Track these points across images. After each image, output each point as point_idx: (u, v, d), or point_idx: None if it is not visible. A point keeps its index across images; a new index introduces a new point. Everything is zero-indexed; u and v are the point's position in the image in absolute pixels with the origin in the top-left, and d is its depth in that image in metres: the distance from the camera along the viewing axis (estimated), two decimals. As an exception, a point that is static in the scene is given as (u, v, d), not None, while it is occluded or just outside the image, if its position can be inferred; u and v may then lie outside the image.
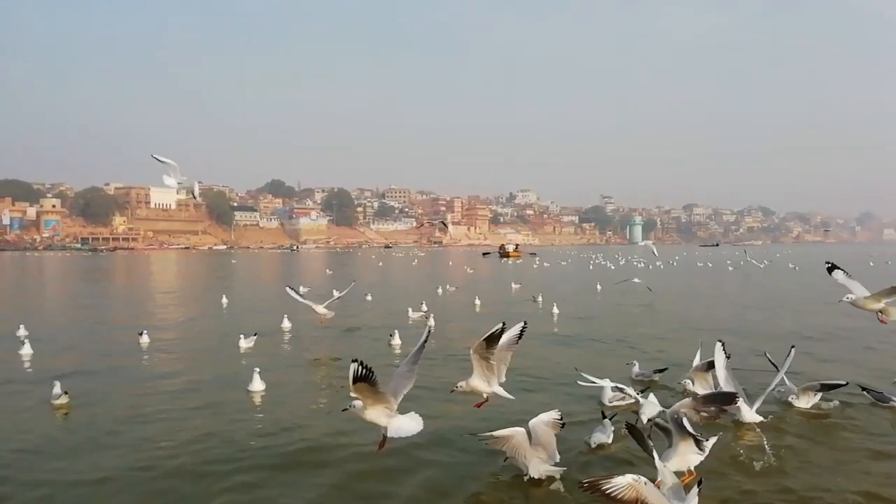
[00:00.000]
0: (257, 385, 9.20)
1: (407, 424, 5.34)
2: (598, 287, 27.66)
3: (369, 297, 23.11)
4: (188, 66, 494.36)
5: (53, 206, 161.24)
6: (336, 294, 13.95)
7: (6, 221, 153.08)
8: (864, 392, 8.48)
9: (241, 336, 13.01)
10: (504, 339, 6.10)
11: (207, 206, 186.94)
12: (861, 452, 6.68)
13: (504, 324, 5.90)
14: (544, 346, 13.30)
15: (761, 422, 7.37)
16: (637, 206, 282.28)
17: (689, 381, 8.86)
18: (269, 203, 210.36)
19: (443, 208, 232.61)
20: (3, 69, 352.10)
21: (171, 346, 13.76)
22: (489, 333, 5.79)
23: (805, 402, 8.12)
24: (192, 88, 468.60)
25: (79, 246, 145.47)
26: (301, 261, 78.11)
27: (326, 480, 6.02)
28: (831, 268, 8.20)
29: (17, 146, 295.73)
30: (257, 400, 8.90)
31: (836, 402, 8.35)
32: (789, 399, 8.21)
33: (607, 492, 4.14)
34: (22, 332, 14.20)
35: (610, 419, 6.84)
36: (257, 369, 9.43)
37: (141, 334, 13.56)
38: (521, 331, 6.42)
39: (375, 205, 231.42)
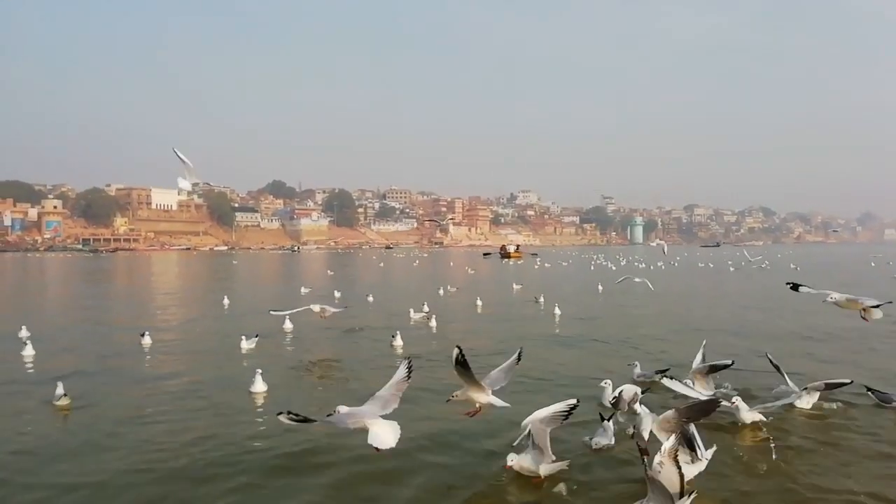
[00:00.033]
0: (259, 386, 9.21)
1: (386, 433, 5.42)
2: (600, 288, 27.65)
3: (371, 299, 23.12)
4: (188, 66, 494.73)
5: (55, 207, 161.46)
6: (331, 308, 14.00)
7: (7, 222, 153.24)
8: (869, 392, 8.47)
9: (243, 337, 13.02)
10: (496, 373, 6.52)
11: (208, 207, 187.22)
12: (864, 453, 6.68)
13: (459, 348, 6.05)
14: (546, 348, 13.30)
15: (761, 421, 7.38)
16: (638, 207, 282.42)
17: (689, 381, 8.88)
18: (270, 204, 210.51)
19: (444, 209, 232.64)
20: (3, 69, 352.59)
21: (172, 347, 13.78)
22: (455, 360, 5.99)
23: (807, 402, 8.12)
24: (192, 88, 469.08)
25: (80, 247, 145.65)
26: (302, 262, 78.15)
27: (327, 482, 6.03)
28: (794, 286, 8.64)
29: (17, 147, 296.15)
30: (259, 401, 8.92)
31: (839, 404, 8.35)
32: (791, 399, 8.20)
33: None
34: (24, 333, 14.23)
35: (608, 420, 6.85)
36: (259, 370, 9.44)
37: (143, 335, 13.58)
38: (519, 356, 6.78)
39: (376, 205, 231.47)
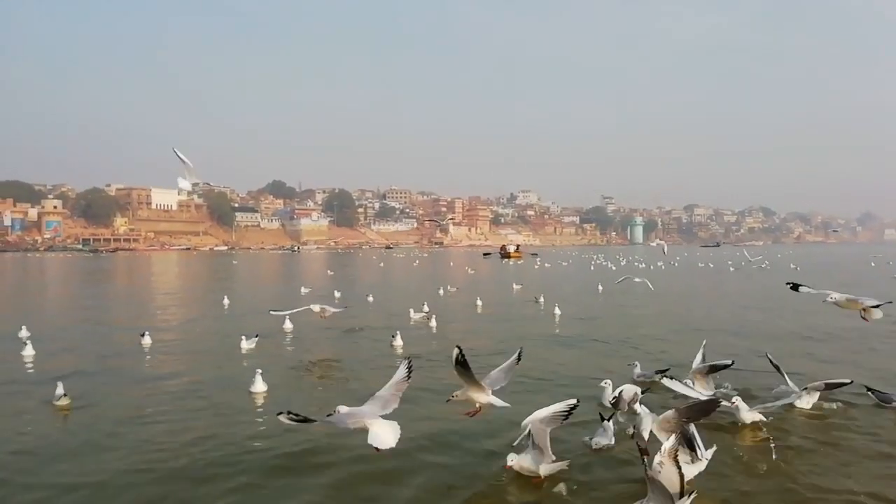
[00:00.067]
0: (259, 386, 9.21)
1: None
2: (600, 288, 27.65)
3: (371, 299, 23.12)
4: (188, 66, 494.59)
5: (55, 207, 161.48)
6: (331, 308, 14.04)
7: (7, 222, 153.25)
8: (869, 392, 8.47)
9: (243, 337, 13.02)
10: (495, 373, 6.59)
11: (208, 207, 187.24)
12: (864, 453, 6.68)
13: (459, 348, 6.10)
14: (546, 348, 13.31)
15: (762, 421, 7.38)
16: (638, 207, 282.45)
17: (689, 381, 8.88)
18: (270, 204, 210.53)
19: (444, 209, 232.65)
20: (3, 69, 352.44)
21: (172, 347, 13.78)
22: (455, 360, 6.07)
23: (807, 402, 8.12)
24: (192, 88, 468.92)
25: (80, 247, 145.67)
26: (302, 262, 78.15)
27: (327, 482, 6.03)
28: (794, 286, 8.70)
29: (17, 147, 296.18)
30: (259, 401, 8.91)
31: (839, 404, 8.36)
32: (791, 399, 8.20)
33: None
34: (24, 333, 14.23)
35: (608, 420, 6.85)
36: (259, 371, 9.44)
37: (143, 335, 13.58)
38: (519, 356, 6.80)
39: (376, 205, 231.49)
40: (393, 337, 13.29)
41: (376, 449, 5.26)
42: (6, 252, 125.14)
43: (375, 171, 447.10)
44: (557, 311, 18.65)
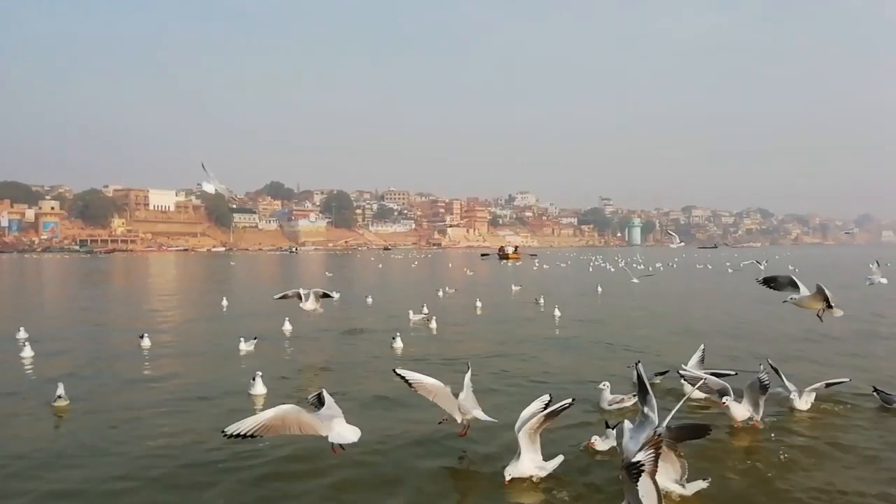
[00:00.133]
0: (259, 389, 9.19)
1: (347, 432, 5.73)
2: (599, 289, 27.68)
3: (370, 300, 23.11)
4: (188, 66, 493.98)
5: (52, 208, 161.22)
6: (317, 304, 13.94)
7: (5, 223, 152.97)
8: (875, 393, 8.47)
9: (242, 339, 13.00)
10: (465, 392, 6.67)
11: (206, 208, 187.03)
12: (871, 454, 6.68)
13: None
14: (546, 349, 13.31)
15: (764, 423, 7.37)
16: (636, 208, 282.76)
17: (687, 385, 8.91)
18: (269, 205, 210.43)
19: (442, 210, 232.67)
20: (3, 69, 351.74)
21: (171, 348, 13.74)
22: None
23: (805, 403, 8.13)
24: (192, 88, 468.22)
25: (77, 248, 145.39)
26: (300, 263, 78.07)
27: (323, 487, 6.01)
28: (768, 280, 8.82)
29: (16, 148, 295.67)
30: (259, 404, 8.89)
31: (844, 405, 8.39)
32: (790, 400, 8.21)
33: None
34: (22, 334, 14.18)
35: (613, 428, 6.84)
36: (259, 373, 9.41)
37: (142, 337, 13.55)
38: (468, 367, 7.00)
39: (374, 207, 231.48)
40: (393, 339, 13.27)
41: (334, 448, 5.61)
42: (3, 253, 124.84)
43: (374, 173, 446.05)
44: (557, 312, 18.65)
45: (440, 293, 26.35)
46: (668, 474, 5.18)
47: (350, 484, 6.06)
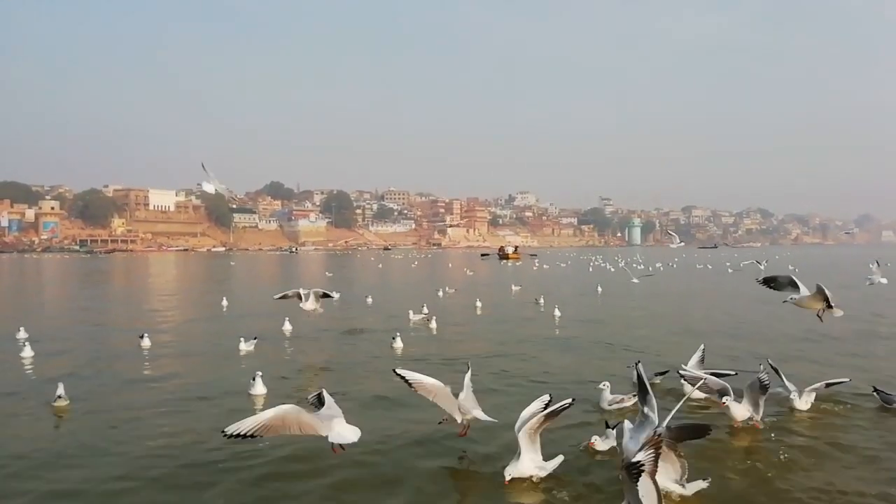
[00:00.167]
0: (259, 389, 9.18)
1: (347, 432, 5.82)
2: (599, 289, 27.69)
3: (370, 300, 23.11)
4: (188, 66, 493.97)
5: (52, 208, 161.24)
6: (317, 304, 14.03)
7: (5, 223, 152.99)
8: (875, 393, 8.47)
9: (242, 339, 13.00)
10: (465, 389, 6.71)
11: (206, 208, 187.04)
12: (871, 454, 6.68)
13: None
14: (546, 349, 13.31)
15: (765, 423, 7.36)
16: (636, 208, 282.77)
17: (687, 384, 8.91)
18: (269, 205, 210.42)
19: (442, 210, 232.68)
20: (3, 69, 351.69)
21: (171, 349, 13.74)
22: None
23: (805, 403, 8.13)
24: (192, 88, 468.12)
25: (77, 248, 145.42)
26: (300, 263, 78.07)
27: (323, 487, 6.01)
28: (768, 280, 8.79)
29: (16, 148, 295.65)
30: (259, 404, 8.89)
31: (844, 405, 8.39)
32: (790, 400, 8.21)
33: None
34: (22, 334, 14.18)
35: (613, 428, 6.84)
36: (259, 373, 9.40)
37: (142, 337, 13.54)
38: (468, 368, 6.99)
39: (374, 207, 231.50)
40: (393, 339, 13.27)
41: (333, 448, 5.68)
42: (3, 253, 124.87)
43: (374, 173, 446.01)
44: (557, 312, 18.65)
45: (440, 293, 26.35)
46: (669, 474, 5.18)
47: (350, 484, 6.06)
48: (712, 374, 8.35)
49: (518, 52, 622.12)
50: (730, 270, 47.83)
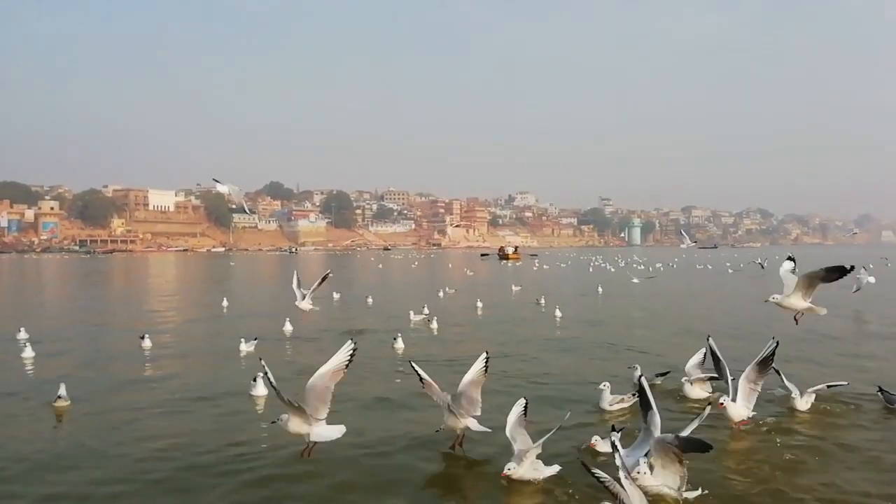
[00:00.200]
0: (260, 390, 9.17)
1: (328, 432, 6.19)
2: (600, 290, 27.69)
3: (370, 300, 23.10)
4: (188, 66, 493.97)
5: (52, 209, 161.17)
6: (310, 304, 14.28)
7: (4, 223, 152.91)
8: (879, 393, 8.45)
9: (242, 340, 13.00)
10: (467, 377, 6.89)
11: (206, 208, 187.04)
12: (876, 455, 6.68)
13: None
14: (547, 350, 13.31)
15: (766, 423, 7.34)
16: (636, 209, 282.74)
17: (688, 381, 8.94)
18: (268, 205, 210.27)
19: (441, 210, 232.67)
20: (3, 69, 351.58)
21: (172, 349, 13.73)
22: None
23: (805, 403, 8.13)
24: (192, 88, 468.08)
25: (77, 248, 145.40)
26: (300, 263, 78.04)
27: (322, 488, 6.00)
28: (790, 258, 8.47)
29: (16, 148, 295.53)
30: (260, 405, 8.88)
31: (848, 405, 8.39)
32: (791, 401, 8.21)
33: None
34: (22, 335, 14.17)
35: (619, 431, 6.84)
36: (260, 374, 9.39)
37: (143, 338, 13.53)
38: (486, 362, 7.08)
39: (374, 207, 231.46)
40: (394, 339, 13.26)
41: (304, 452, 6.09)
42: (3, 253, 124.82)
43: (374, 173, 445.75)
44: (558, 313, 18.65)
45: (440, 293, 26.35)
46: (668, 482, 5.20)
47: (351, 485, 6.05)
48: (710, 378, 8.39)
49: (518, 52, 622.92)
50: (730, 271, 47.84)
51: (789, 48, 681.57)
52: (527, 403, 6.39)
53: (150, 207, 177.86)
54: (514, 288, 28.94)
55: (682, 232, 48.58)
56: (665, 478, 5.20)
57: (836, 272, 7.54)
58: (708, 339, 8.19)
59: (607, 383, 8.48)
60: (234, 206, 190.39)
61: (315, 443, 6.30)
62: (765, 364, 7.23)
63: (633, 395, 8.26)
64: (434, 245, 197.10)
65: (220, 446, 7.05)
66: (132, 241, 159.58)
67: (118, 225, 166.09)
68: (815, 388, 8.22)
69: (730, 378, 7.46)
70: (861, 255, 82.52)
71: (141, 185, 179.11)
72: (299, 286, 14.73)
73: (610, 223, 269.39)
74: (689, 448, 5.17)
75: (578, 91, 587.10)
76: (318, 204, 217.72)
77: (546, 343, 14.27)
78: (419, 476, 6.25)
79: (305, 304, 13.63)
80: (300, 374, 11.19)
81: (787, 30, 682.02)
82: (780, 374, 8.37)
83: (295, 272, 15.50)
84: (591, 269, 50.60)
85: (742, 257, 55.31)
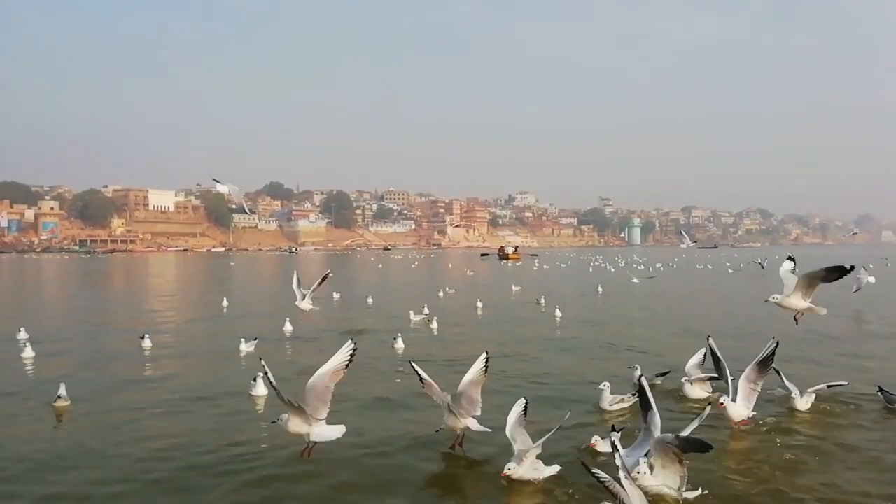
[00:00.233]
0: (261, 390, 9.17)
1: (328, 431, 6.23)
2: (600, 290, 27.69)
3: (370, 300, 23.10)
4: (188, 66, 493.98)
5: (52, 209, 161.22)
6: (309, 304, 14.36)
7: (4, 223, 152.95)
8: (879, 393, 8.44)
9: (242, 340, 13.00)
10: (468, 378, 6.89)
11: (206, 208, 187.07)
12: (875, 455, 6.68)
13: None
14: (548, 350, 13.31)
15: (766, 423, 7.34)
16: (636, 209, 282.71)
17: (688, 381, 8.95)
18: (268, 205, 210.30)
19: (441, 210, 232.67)
20: (3, 69, 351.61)
21: (172, 349, 13.73)
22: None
23: (805, 403, 8.13)
24: (192, 88, 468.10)
25: (77, 248, 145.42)
26: (300, 263, 78.03)
27: (321, 488, 6.00)
28: (790, 258, 8.48)
29: (16, 148, 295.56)
30: (260, 405, 8.88)
31: (847, 405, 8.40)
32: (791, 401, 8.21)
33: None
34: (22, 335, 14.17)
35: (619, 431, 6.84)
36: (260, 374, 9.39)
37: (143, 338, 13.53)
38: (486, 362, 7.07)
39: (374, 207, 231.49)
40: (395, 339, 13.26)
41: (304, 451, 6.13)
42: (3, 253, 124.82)
43: (374, 173, 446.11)
44: (558, 313, 18.65)
45: (441, 293, 26.36)
46: (668, 481, 5.21)
47: (351, 485, 6.05)
48: (710, 377, 8.40)
49: (518, 52, 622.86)
50: (730, 271, 47.83)
51: (789, 48, 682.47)
52: (527, 403, 6.39)
53: (150, 207, 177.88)
54: (514, 288, 28.94)
55: (682, 232, 48.50)
56: (665, 478, 5.20)
57: (836, 272, 7.54)
58: (708, 339, 8.20)
59: (607, 383, 8.48)
60: (234, 206, 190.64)
61: (315, 443, 6.31)
62: (765, 364, 7.22)
63: (633, 395, 8.26)
64: (434, 245, 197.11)
65: (220, 446, 7.05)
66: (132, 242, 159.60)
67: (118, 225, 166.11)
68: (815, 388, 8.21)
69: (730, 378, 7.45)
70: (861, 255, 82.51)
71: (141, 185, 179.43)
72: (299, 286, 14.78)
73: (610, 223, 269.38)
74: (690, 448, 5.17)
75: (578, 91, 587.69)
76: (318, 204, 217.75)
77: (546, 343, 14.27)
78: (419, 476, 6.25)
79: (305, 304, 13.65)
80: (300, 374, 11.19)
81: (787, 30, 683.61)
82: (780, 374, 8.37)
83: (295, 272, 15.55)
84: (591, 270, 50.60)
85: (742, 257, 55.19)
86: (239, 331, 14.85)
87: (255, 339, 13.11)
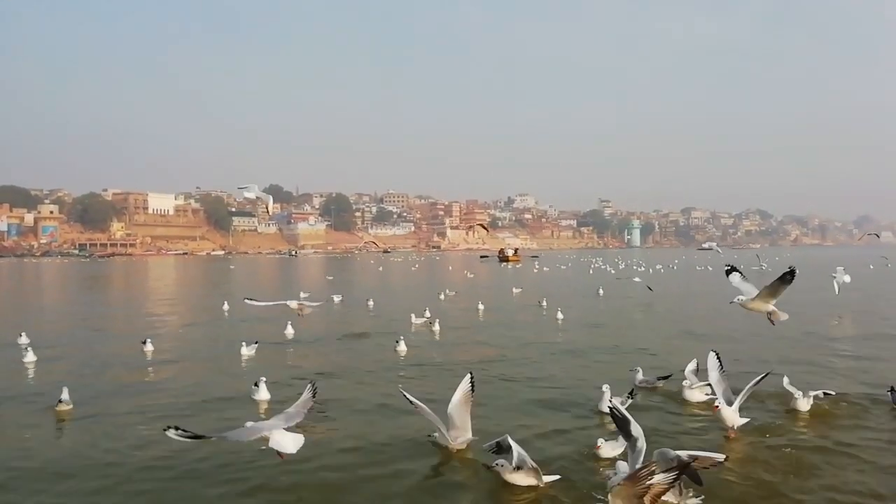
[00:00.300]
0: (263, 394, 9.17)
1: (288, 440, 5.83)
2: (601, 292, 27.69)
3: (371, 303, 23.09)
4: (188, 66, 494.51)
5: (51, 213, 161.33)
6: (309, 304, 14.39)
7: (3, 227, 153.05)
8: (889, 392, 8.41)
9: (243, 343, 13.00)
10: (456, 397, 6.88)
11: (205, 212, 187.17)
12: (884, 455, 6.68)
13: None
14: (550, 353, 13.29)
15: (747, 422, 7.31)
16: (635, 210, 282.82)
17: (687, 384, 8.94)
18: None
19: (441, 212, 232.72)
20: (3, 69, 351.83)
21: (173, 354, 13.70)
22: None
23: (806, 404, 8.13)
24: (192, 88, 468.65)
25: (76, 252, 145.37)
26: (300, 266, 78.03)
27: (326, 487, 6.01)
28: (729, 270, 8.57)
29: (15, 151, 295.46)
30: (262, 409, 8.87)
31: (854, 405, 8.39)
32: (793, 401, 8.22)
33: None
34: (23, 339, 14.16)
35: (633, 398, 6.83)
36: (264, 378, 9.39)
37: (144, 343, 13.52)
38: (472, 383, 6.97)
39: (374, 209, 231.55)
40: (397, 342, 13.26)
41: (278, 454, 5.77)
42: (2, 257, 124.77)
43: (373, 174, 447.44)
44: (560, 315, 18.65)
45: (441, 296, 26.36)
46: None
47: (349, 490, 6.03)
48: (708, 384, 8.38)
49: (518, 52, 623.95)
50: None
51: (789, 48, 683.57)
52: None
53: (150, 211, 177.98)
54: (514, 290, 28.93)
55: (709, 244, 48.71)
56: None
57: (789, 276, 7.61)
58: (710, 354, 7.90)
59: (608, 385, 8.48)
60: (233, 210, 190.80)
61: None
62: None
63: (631, 396, 8.31)
64: (434, 247, 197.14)
65: (220, 452, 7.03)
66: (132, 245, 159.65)
67: (118, 228, 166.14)
68: (815, 392, 8.23)
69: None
70: (861, 255, 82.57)
71: (141, 187, 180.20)
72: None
73: (609, 225, 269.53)
74: (685, 473, 5.11)
75: (578, 91, 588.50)
76: (317, 207, 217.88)
77: (549, 346, 14.25)
78: (420, 479, 6.25)
79: (294, 303, 13.70)
80: (301, 380, 11.20)
81: (786, 30, 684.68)
82: (780, 377, 8.38)
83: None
84: (591, 271, 50.60)
85: (742, 258, 55.04)
86: (240, 334, 14.85)
87: (256, 343, 13.11)
